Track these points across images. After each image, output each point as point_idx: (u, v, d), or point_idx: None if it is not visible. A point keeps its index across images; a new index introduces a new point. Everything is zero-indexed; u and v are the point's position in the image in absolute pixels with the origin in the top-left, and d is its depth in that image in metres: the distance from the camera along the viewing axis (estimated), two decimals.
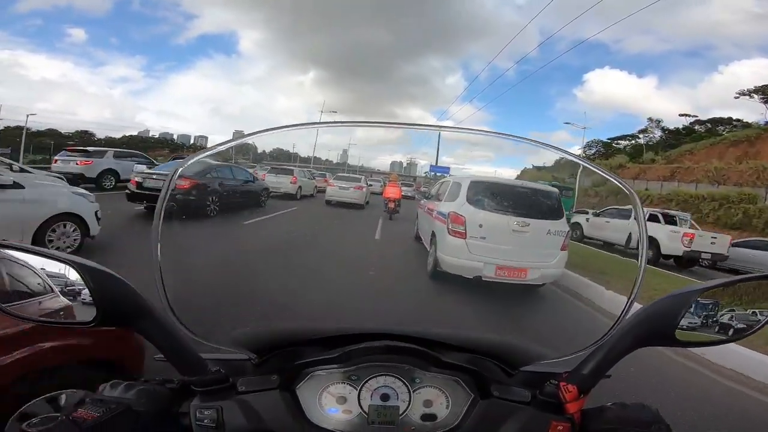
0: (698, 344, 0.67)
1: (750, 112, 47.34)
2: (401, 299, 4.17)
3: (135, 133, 68.61)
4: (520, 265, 4.84)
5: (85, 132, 61.41)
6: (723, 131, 39.60)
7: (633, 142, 47.42)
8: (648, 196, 25.50)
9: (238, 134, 1.30)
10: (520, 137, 0.78)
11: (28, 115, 40.24)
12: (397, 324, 0.77)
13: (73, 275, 0.54)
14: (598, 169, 0.76)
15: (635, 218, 0.76)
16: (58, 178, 8.43)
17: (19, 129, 42.33)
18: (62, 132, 57.98)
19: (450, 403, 0.67)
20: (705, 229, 12.26)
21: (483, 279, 4.75)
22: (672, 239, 9.97)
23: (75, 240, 4.95)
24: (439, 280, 5.07)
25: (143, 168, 10.19)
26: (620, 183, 0.75)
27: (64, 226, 4.85)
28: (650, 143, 43.82)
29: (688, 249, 9.80)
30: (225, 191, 6.80)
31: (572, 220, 11.74)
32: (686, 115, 45.81)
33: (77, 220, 4.95)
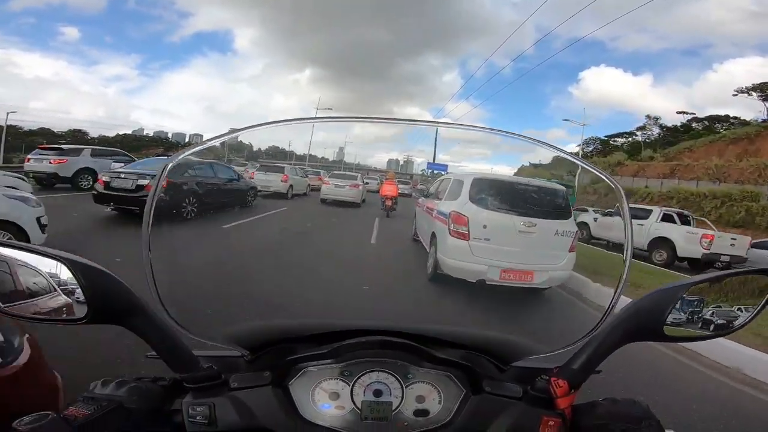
0: (686, 339, 0.66)
1: (746, 109, 47.77)
2: (394, 296, 4.09)
3: (129, 131, 68.28)
4: (526, 268, 4.56)
5: (78, 131, 61.20)
6: (720, 129, 39.80)
7: (630, 139, 47.55)
8: (648, 193, 25.27)
9: (233, 131, 1.01)
10: (515, 134, 0.77)
11: (8, 113, 39.56)
12: (390, 320, 0.77)
13: (64, 272, 0.54)
14: (586, 164, 0.78)
15: (620, 214, 0.75)
16: (18, 178, 7.84)
17: (13, 128, 41.93)
18: (55, 131, 57.66)
19: (442, 398, 0.67)
20: (703, 227, 11.80)
21: (487, 283, 4.46)
22: (689, 241, 9.41)
23: None
24: (436, 279, 4.85)
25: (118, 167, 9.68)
26: (606, 178, 0.74)
27: None
28: (648, 140, 43.81)
29: (707, 251, 9.21)
30: (203, 192, 6.30)
31: (578, 220, 11.16)
32: (684, 112, 45.96)
33: (13, 228, 4.25)
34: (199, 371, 0.63)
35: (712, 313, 0.65)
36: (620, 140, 47.98)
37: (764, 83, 36.88)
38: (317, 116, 0.96)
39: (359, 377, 0.66)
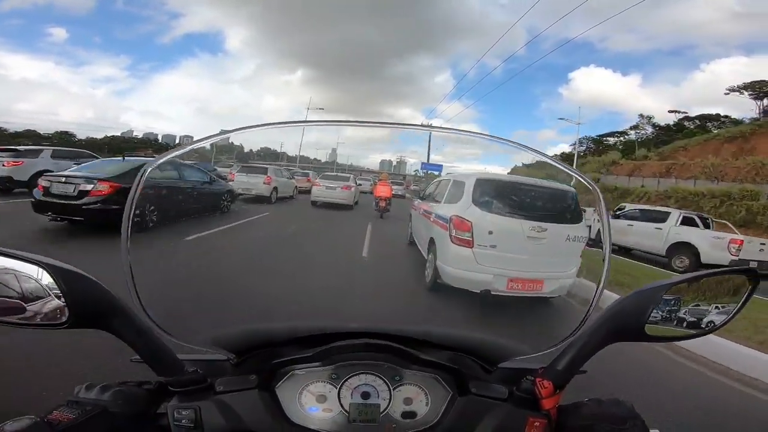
0: (667, 339, 0.66)
1: (733, 108, 48.38)
2: (381, 298, 3.99)
3: (118, 133, 67.50)
4: (535, 276, 4.27)
5: (65, 132, 60.85)
6: (711, 127, 40.01)
7: (622, 138, 47.71)
8: (645, 193, 25.00)
9: (224, 132, 0.83)
10: (483, 134, 0.77)
11: None
12: (377, 322, 0.77)
13: (44, 277, 0.53)
14: (564, 166, 0.76)
15: (598, 215, 0.76)
16: None
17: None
18: (41, 133, 56.96)
19: (429, 400, 0.67)
20: (724, 230, 11.17)
21: (492, 293, 4.13)
22: (715, 246, 8.53)
23: None
24: (435, 289, 4.50)
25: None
26: (583, 179, 0.76)
27: None
28: (642, 139, 43.88)
29: (736, 257, 8.31)
30: (165, 197, 5.60)
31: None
32: (675, 111, 46.26)
33: None
34: (185, 375, 0.62)
35: (693, 312, 0.64)
36: (612, 139, 48.40)
37: (755, 82, 37.24)
38: (308, 119, 0.83)
39: (346, 380, 0.66)
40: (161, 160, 0.73)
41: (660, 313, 0.62)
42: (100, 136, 61.92)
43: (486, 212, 4.40)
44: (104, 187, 5.05)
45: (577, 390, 0.65)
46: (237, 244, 5.04)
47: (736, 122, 36.58)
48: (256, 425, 0.62)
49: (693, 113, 44.10)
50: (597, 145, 47.02)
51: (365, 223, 8.25)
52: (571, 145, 50.57)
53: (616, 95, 69.63)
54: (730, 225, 10.03)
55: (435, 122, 36.27)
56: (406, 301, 4.24)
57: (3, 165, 10.10)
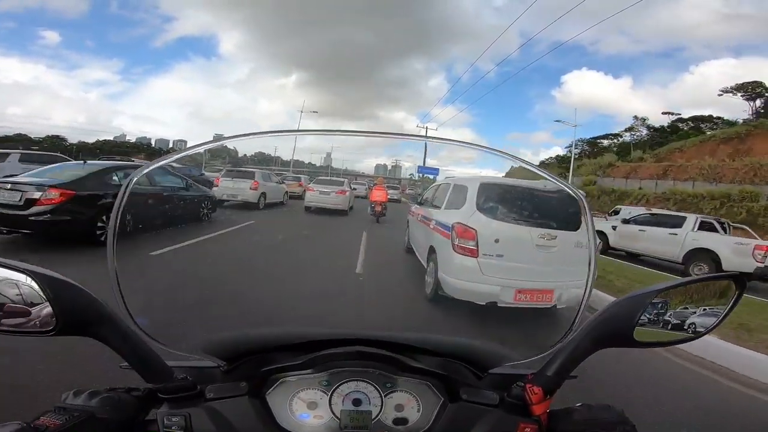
0: (656, 344, 0.66)
1: (723, 109, 48.93)
2: (372, 305, 3.85)
3: (110, 137, 67.13)
4: (545, 287, 3.98)
5: (57, 137, 60.71)
6: (705, 129, 40.27)
7: (616, 140, 47.91)
8: (643, 195, 24.81)
9: (217, 137, 0.87)
10: (468, 143, 0.78)
11: None
12: (368, 329, 0.77)
13: (32, 285, 0.53)
14: (548, 175, 0.76)
15: (585, 223, 0.76)
16: None
17: None
18: (32, 137, 56.47)
19: (421, 406, 0.67)
20: (743, 235, 10.60)
21: (499, 305, 3.88)
22: (739, 253, 7.89)
23: None
24: (436, 300, 4.22)
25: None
26: (568, 188, 0.76)
27: None
28: (636, 141, 44.04)
29: (762, 265, 7.63)
30: (134, 204, 5.09)
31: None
32: (669, 113, 46.63)
33: None
34: (174, 381, 0.61)
35: (681, 317, 0.64)
36: (606, 142, 48.61)
37: (748, 83, 37.52)
38: (303, 129, 0.85)
39: (338, 387, 0.66)
40: (153, 167, 0.71)
41: (649, 318, 0.62)
42: (91, 140, 61.69)
43: (491, 219, 4.10)
44: (54, 195, 4.48)
45: (569, 395, 0.65)
46: (226, 252, 4.81)
47: (730, 123, 36.92)
48: None
49: (685, 115, 44.70)
50: (591, 148, 47.17)
51: (360, 230, 7.76)
52: (566, 148, 50.89)
53: (608, 98, 70.40)
54: (750, 230, 9.49)
55: (430, 126, 36.01)
56: (396, 308, 4.03)
57: None
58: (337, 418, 0.65)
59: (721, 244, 8.27)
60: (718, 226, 8.95)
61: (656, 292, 0.62)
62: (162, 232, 4.50)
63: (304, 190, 11.88)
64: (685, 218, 9.11)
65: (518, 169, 0.91)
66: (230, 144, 0.73)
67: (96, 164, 5.73)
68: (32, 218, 4.72)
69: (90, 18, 69.63)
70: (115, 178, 5.41)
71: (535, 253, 3.98)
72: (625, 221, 10.21)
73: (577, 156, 42.04)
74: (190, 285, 3.28)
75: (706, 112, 43.44)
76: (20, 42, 77.09)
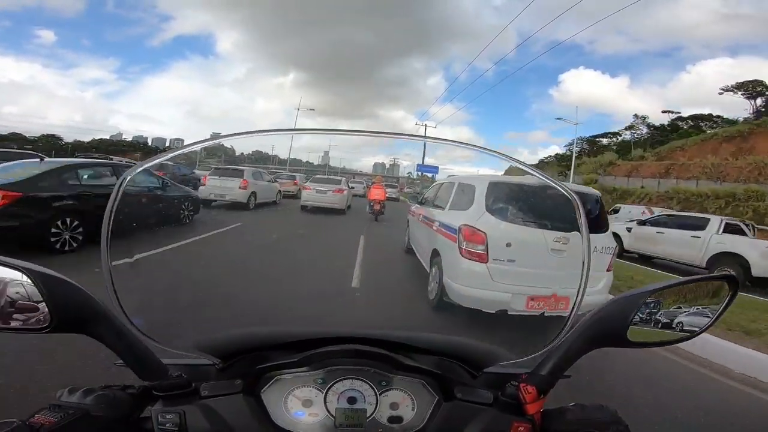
0: (649, 345, 0.66)
1: (720, 108, 49.00)
2: (367, 303, 3.92)
3: (107, 136, 66.89)
4: (559, 294, 3.70)
5: (52, 136, 60.45)
6: (704, 127, 40.19)
7: (615, 139, 47.73)
8: (646, 194, 24.46)
9: (214, 136, 1.21)
10: (464, 143, 0.76)
11: None
12: (363, 327, 0.77)
13: (26, 282, 0.52)
14: (543, 176, 0.75)
15: (579, 225, 0.73)
16: None
17: None
18: (27, 136, 56.09)
19: (416, 405, 0.67)
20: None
21: (509, 313, 3.65)
22: None
23: None
24: (441, 307, 4.02)
25: None
26: (563, 189, 0.74)
27: None
28: (637, 140, 43.85)
29: None
30: (88, 207, 4.52)
31: None
32: (669, 111, 46.54)
33: None
34: (169, 379, 0.61)
35: (674, 318, 0.64)
36: (605, 140, 48.44)
37: (749, 81, 37.41)
38: (300, 128, 0.90)
39: (333, 385, 0.66)
40: (146, 165, 0.70)
41: (642, 318, 0.62)
42: (87, 139, 61.42)
43: (502, 221, 3.79)
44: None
45: (562, 394, 0.66)
46: (219, 252, 4.80)
47: (730, 122, 36.81)
48: (241, 430, 0.61)
49: (683, 113, 44.91)
50: (591, 146, 46.91)
51: (358, 230, 7.69)
52: (566, 146, 50.75)
53: (605, 97, 70.47)
54: None
55: (428, 124, 35.62)
56: (393, 307, 4.04)
57: None
58: (332, 416, 0.64)
59: (749, 247, 7.70)
60: (744, 228, 8.42)
61: (650, 293, 0.62)
62: (136, 235, 4.10)
63: (300, 189, 11.61)
64: (708, 220, 8.57)
65: (516, 169, 0.83)
66: (227, 143, 0.60)
67: (54, 162, 5.23)
68: None
69: (87, 17, 69.27)
70: (85, 176, 4.92)
71: (549, 257, 3.66)
72: (641, 223, 9.69)
73: (576, 155, 41.85)
74: (185, 283, 3.26)
75: (703, 111, 43.78)
76: (16, 41, 76.68)
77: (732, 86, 39.14)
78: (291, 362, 0.67)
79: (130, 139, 69.03)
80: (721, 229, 8.04)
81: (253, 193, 7.41)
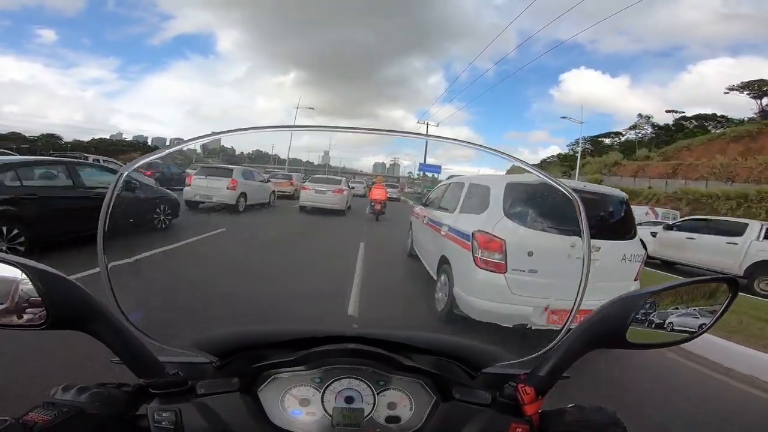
0: (648, 346, 0.66)
1: (720, 108, 48.89)
2: (364, 301, 3.83)
3: (107, 136, 67.01)
4: (585, 306, 2.88)
5: (52, 135, 60.62)
6: (710, 127, 39.92)
7: (617, 139, 47.41)
8: (653, 194, 23.92)
9: (212, 133, 0.72)
10: (466, 142, 0.74)
11: None
12: (361, 327, 0.78)
13: (22, 278, 0.51)
14: (544, 175, 0.73)
15: (580, 227, 0.70)
16: None
17: None
18: (26, 135, 56.18)
19: (413, 405, 0.67)
20: None
21: (528, 327, 3.35)
22: None
23: None
24: (451, 320, 3.73)
25: None
26: (564, 189, 0.71)
27: None
28: (640, 139, 43.49)
29: None
30: (29, 213, 3.90)
31: None
32: (673, 111, 46.17)
33: None
34: (165, 377, 0.61)
35: (674, 320, 0.64)
36: (607, 140, 48.14)
37: (755, 81, 37.06)
38: (301, 125, 0.55)
39: (330, 384, 0.66)
40: (140, 163, 0.67)
41: (642, 320, 0.62)
42: (87, 138, 61.50)
43: (522, 227, 3.40)
44: None
45: (561, 395, 0.65)
46: (219, 250, 4.72)
47: (735, 122, 36.43)
48: (238, 428, 0.61)
49: (685, 113, 44.52)
50: (595, 146, 46.48)
51: (358, 232, 7.33)
52: (568, 146, 50.39)
53: (606, 96, 70.32)
54: None
55: (429, 122, 34.99)
56: (390, 306, 3.97)
57: None
58: (329, 415, 0.64)
59: None
60: None
61: (650, 294, 0.61)
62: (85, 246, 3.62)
63: (296, 189, 11.14)
64: (746, 225, 7.84)
65: (519, 168, 0.75)
66: (227, 141, 0.64)
67: None
68: None
69: (87, 16, 69.21)
70: (29, 177, 4.31)
71: (574, 267, 3.20)
72: (668, 227, 9.01)
73: (579, 154, 41.39)
74: (183, 282, 3.27)
75: (703, 111, 43.52)
76: (17, 40, 76.71)
77: (737, 86, 38.88)
78: (288, 361, 0.67)
79: (130, 138, 68.92)
80: (762, 235, 7.34)
81: (243, 194, 6.84)
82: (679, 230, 8.74)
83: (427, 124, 33.81)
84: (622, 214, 3.89)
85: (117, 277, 0.61)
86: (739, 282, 0.65)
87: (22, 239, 4.02)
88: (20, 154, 10.88)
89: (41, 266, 0.52)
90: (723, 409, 2.83)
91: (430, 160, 31.17)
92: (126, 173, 0.63)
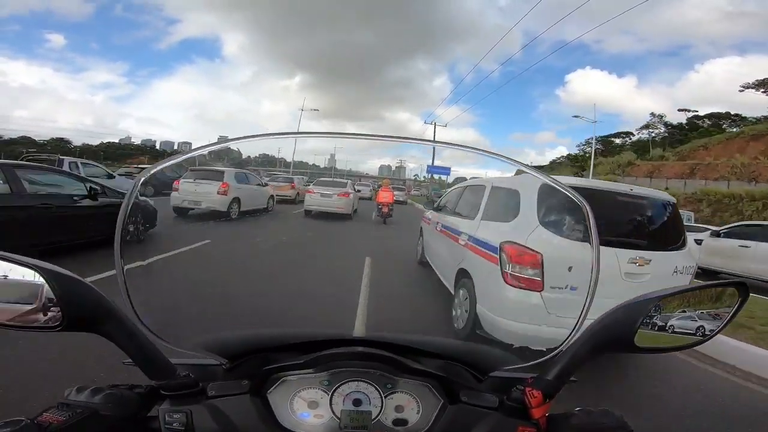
0: (657, 351, 0.64)
1: (728, 107, 47.96)
2: (372, 305, 3.69)
3: (116, 140, 67.55)
4: None
5: (61, 139, 61.34)
6: (725, 126, 39.29)
7: (627, 139, 46.71)
8: (672, 195, 23.04)
9: (221, 139, 0.72)
10: (470, 147, 0.78)
11: None
12: (370, 330, 1.17)
13: (39, 281, 0.51)
14: (551, 180, 0.76)
15: (589, 234, 0.70)
16: None
17: None
18: (36, 140, 56.80)
19: (421, 408, 0.67)
20: None
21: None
22: None
23: None
24: (473, 338, 3.26)
25: None
26: (571, 195, 0.71)
27: None
28: (653, 139, 42.69)
29: None
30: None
31: None
32: (686, 110, 45.39)
33: None
34: (176, 379, 0.61)
35: (682, 324, 0.63)
36: (618, 140, 47.48)
37: None
38: (308, 131, 0.80)
39: (339, 386, 0.66)
40: (155, 170, 0.69)
41: (650, 324, 0.60)
42: (95, 142, 61.92)
43: (561, 238, 2.90)
44: None
45: (568, 399, 0.64)
46: (228, 254, 4.64)
47: (750, 120, 35.71)
48: (247, 430, 0.61)
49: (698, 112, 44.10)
50: (605, 146, 45.67)
51: (366, 237, 7.02)
52: (577, 146, 49.64)
53: (613, 96, 69.54)
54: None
55: (435, 124, 34.30)
56: (399, 310, 3.87)
57: None
58: (337, 417, 0.64)
59: None
60: None
61: (658, 298, 0.60)
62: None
63: (298, 193, 10.63)
64: None
65: (530, 170, 0.76)
66: (234, 146, 0.68)
67: None
68: None
69: (95, 20, 70.24)
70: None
71: (622, 283, 2.90)
72: (715, 234, 8.06)
73: (589, 155, 40.52)
74: (195, 285, 3.26)
75: (713, 110, 43.26)
76: (27, 45, 78.07)
77: (752, 83, 38.41)
78: (297, 364, 0.67)
79: (138, 142, 69.30)
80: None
81: (236, 199, 6.22)
82: (729, 237, 7.85)
83: (435, 124, 33.09)
84: (673, 220, 3.44)
85: (130, 280, 0.60)
86: (749, 286, 0.59)
87: None
88: (27, 160, 10.48)
89: (58, 269, 0.51)
90: (729, 408, 2.73)
91: (436, 162, 30.48)
92: (143, 179, 0.64)
